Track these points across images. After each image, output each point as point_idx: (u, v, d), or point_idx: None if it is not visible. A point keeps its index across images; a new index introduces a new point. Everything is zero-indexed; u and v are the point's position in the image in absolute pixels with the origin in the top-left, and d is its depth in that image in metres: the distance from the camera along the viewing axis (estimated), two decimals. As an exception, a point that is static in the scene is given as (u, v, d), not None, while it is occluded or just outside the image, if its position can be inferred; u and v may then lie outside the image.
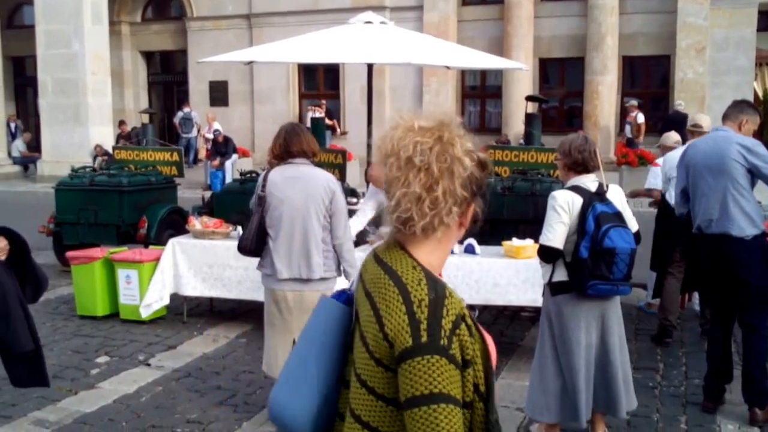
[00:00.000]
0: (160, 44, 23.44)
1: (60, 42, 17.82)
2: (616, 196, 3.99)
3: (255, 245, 4.30)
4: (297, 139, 4.25)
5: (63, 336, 6.38)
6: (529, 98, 11.73)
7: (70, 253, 7.09)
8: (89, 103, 17.95)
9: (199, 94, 22.09)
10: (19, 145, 20.66)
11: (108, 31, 18.73)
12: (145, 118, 16.62)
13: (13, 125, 21.88)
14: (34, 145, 20.63)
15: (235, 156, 16.78)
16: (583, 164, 3.97)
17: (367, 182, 6.27)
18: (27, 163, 20.08)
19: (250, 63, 7.59)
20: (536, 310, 4.59)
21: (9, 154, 20.64)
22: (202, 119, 20.35)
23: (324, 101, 20.06)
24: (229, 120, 20.69)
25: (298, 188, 4.18)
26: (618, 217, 3.85)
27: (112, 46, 19.77)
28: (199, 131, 20.87)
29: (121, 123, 18.61)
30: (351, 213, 7.26)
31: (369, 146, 6.93)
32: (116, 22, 22.03)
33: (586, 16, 18.89)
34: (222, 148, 16.77)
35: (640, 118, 17.18)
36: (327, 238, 4.23)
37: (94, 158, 16.44)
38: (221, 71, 21.15)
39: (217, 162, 16.41)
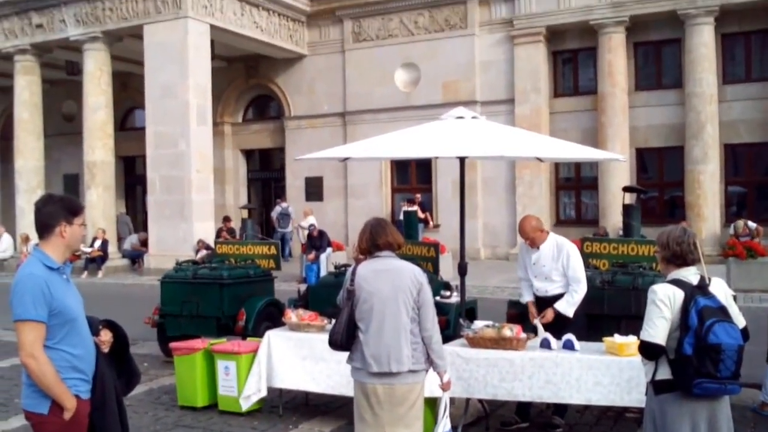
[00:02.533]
0: (260, 143, 24.47)
1: (168, 142, 18.88)
2: (720, 289, 3.83)
3: (345, 339, 4.32)
4: (382, 232, 4.33)
5: (164, 426, 6.49)
6: (626, 189, 11.54)
7: (173, 344, 7.30)
8: (193, 199, 18.79)
9: (296, 190, 22.79)
10: (133, 239, 21.69)
11: (211, 131, 19.75)
12: (245, 214, 17.22)
13: (123, 221, 23.13)
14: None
15: (329, 250, 17.07)
16: (682, 257, 3.85)
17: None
18: (136, 256, 21.01)
19: (344, 160, 7.81)
20: (641, 411, 4.38)
21: (119, 248, 21.65)
22: (298, 214, 20.91)
23: (419, 194, 20.32)
24: (323, 214, 21.19)
25: (386, 281, 4.21)
26: (722, 312, 3.68)
27: (215, 145, 20.78)
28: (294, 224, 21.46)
29: (226, 219, 19.32)
30: (443, 306, 7.26)
31: (462, 238, 6.93)
32: (219, 123, 23.19)
33: (683, 105, 18.68)
34: (317, 242, 17.11)
35: (752, 224, 16.25)
36: (415, 329, 4.22)
37: (197, 252, 17.04)
38: (316, 167, 21.81)
39: (312, 256, 16.72)
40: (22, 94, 21.75)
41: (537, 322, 6.17)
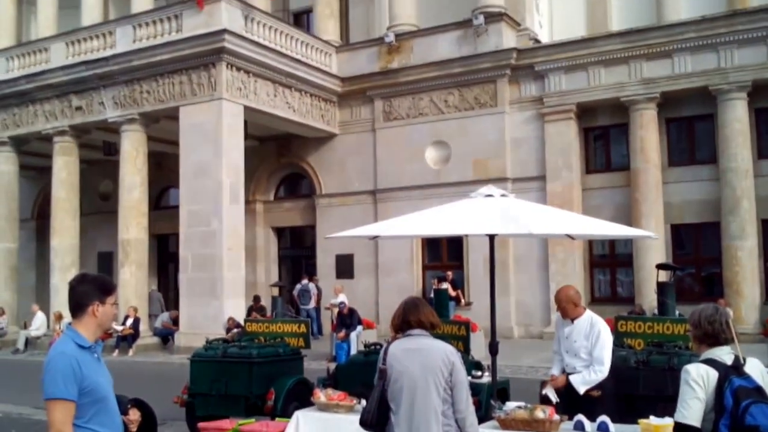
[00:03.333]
0: (291, 220, 24.65)
1: (200, 221, 19.09)
2: (756, 369, 3.68)
3: (376, 419, 4.19)
4: (415, 311, 4.26)
5: None
6: (660, 266, 11.32)
7: (201, 425, 7.17)
8: (224, 276, 18.84)
9: (327, 267, 22.77)
10: (164, 317, 21.72)
11: (244, 209, 19.95)
12: (275, 291, 17.18)
13: (155, 298, 23.23)
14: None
15: (359, 328, 16.89)
16: (714, 336, 3.71)
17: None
18: (166, 334, 20.99)
19: (374, 238, 7.78)
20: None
21: (150, 325, 21.67)
22: (328, 291, 20.82)
23: (450, 272, 20.17)
24: (354, 292, 21.07)
25: (416, 360, 4.10)
26: (759, 392, 3.51)
27: (247, 223, 20.94)
28: (318, 302, 21.37)
29: (256, 299, 19.29)
30: (475, 387, 7.06)
31: (493, 317, 6.80)
32: (251, 201, 23.46)
33: (718, 180, 18.50)
34: (347, 320, 16.96)
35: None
36: (448, 411, 4.08)
37: (227, 330, 16.98)
38: (347, 245, 21.83)
39: (342, 334, 16.55)
40: (59, 174, 22.27)
41: (547, 390, 6.00)
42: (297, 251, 25.67)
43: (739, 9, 19.28)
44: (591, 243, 20.19)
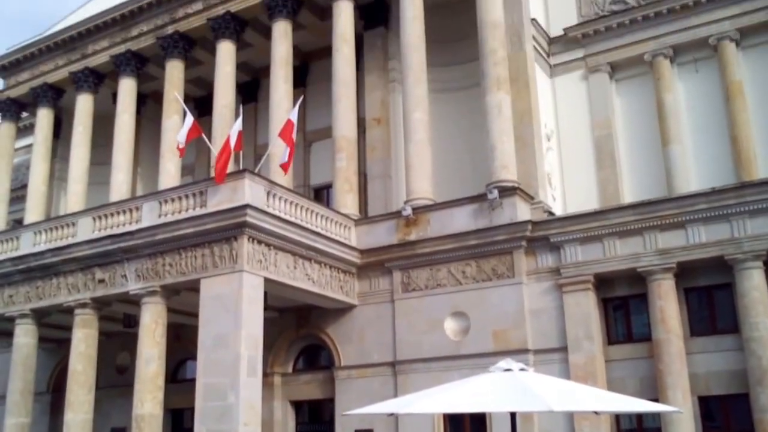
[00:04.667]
0: (309, 393, 24.15)
1: (217, 394, 18.73)
2: None
3: None
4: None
5: None
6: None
7: None
8: (240, 454, 18.21)
9: (346, 443, 22.04)
10: None
11: (261, 382, 19.64)
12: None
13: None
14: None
15: None
16: None
17: None
18: None
19: (391, 414, 7.62)
20: None
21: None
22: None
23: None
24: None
25: None
26: None
27: (264, 397, 20.53)
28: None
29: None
30: None
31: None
32: (269, 374, 23.15)
33: (742, 350, 18.16)
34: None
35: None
36: None
37: None
38: (366, 420, 21.16)
39: None
40: (78, 347, 22.23)
41: None
42: (315, 426, 24.91)
43: (747, 181, 19.79)
44: (618, 417, 19.52)
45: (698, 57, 24.06)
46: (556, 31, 25.85)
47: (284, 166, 21.74)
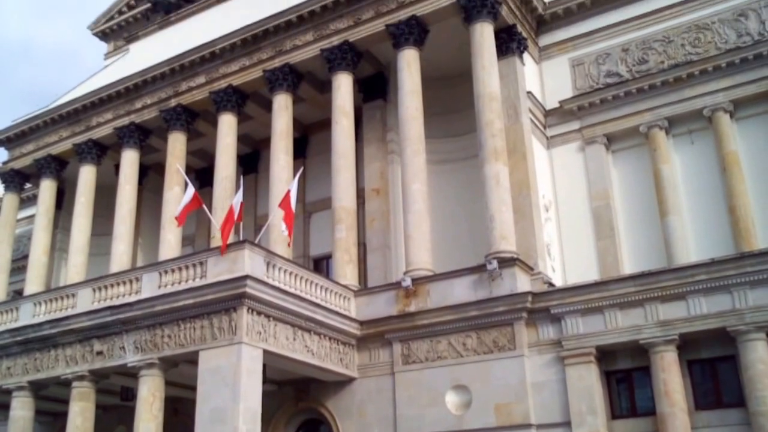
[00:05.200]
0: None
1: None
2: None
3: None
4: None
5: None
6: None
7: None
8: None
9: None
10: None
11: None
12: None
13: None
14: None
15: None
16: None
17: None
18: None
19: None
20: None
21: None
22: None
23: None
24: None
25: None
26: None
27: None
28: None
29: None
30: None
31: None
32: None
33: (749, 425, 17.84)
34: None
35: None
36: None
37: None
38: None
39: None
40: (75, 420, 21.85)
41: None
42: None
43: (746, 252, 19.79)
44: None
45: (693, 128, 24.38)
46: (551, 103, 26.28)
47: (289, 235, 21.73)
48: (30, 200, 36.81)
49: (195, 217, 28.54)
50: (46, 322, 22.81)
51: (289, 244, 22.43)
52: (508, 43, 24.63)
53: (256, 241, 21.74)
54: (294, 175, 23.55)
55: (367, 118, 26.71)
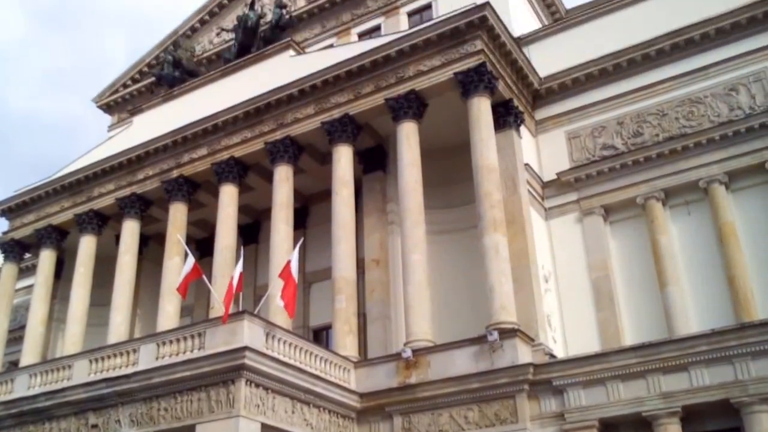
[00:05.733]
0: None
1: None
2: None
3: None
4: None
5: None
6: None
7: None
8: None
9: None
10: None
11: None
12: None
13: None
14: None
15: None
16: None
17: None
18: None
19: None
20: None
21: None
22: None
23: None
24: None
25: None
26: None
27: None
28: None
29: None
30: None
31: None
32: None
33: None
34: None
35: None
36: None
37: None
38: None
39: None
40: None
41: None
42: None
43: (747, 322, 19.74)
44: None
45: (690, 199, 24.65)
46: (549, 175, 26.62)
47: (288, 308, 21.62)
48: (29, 270, 36.76)
49: (194, 288, 28.44)
50: (42, 394, 22.50)
51: (291, 315, 22.30)
52: (505, 116, 25.09)
53: (256, 312, 21.66)
54: (294, 246, 23.63)
55: (367, 189, 26.98)
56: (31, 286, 33.82)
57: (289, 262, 21.85)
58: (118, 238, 31.04)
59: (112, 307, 28.96)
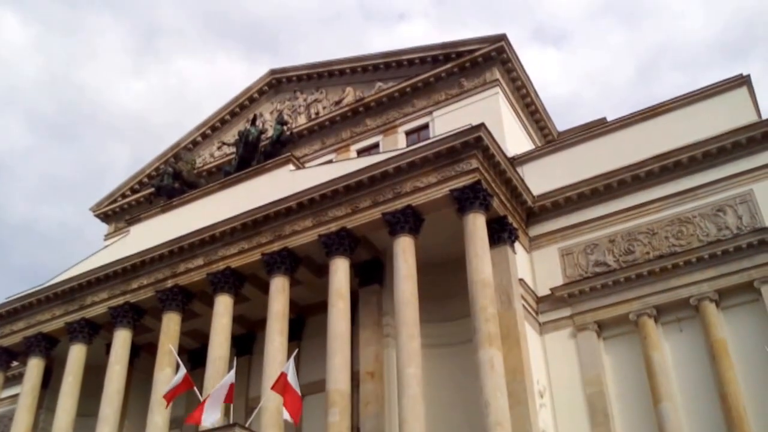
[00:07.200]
0: None
1: None
2: None
3: None
4: None
5: None
6: None
7: None
8: None
9: None
10: None
11: None
12: None
13: None
14: None
15: None
16: None
17: None
18: None
19: None
20: None
21: None
22: None
23: None
24: None
25: None
26: None
27: None
28: None
29: None
30: None
31: None
32: None
33: None
34: None
35: None
36: None
37: None
38: None
39: None
40: None
41: None
42: None
43: None
44: None
45: (681, 316, 24.95)
46: (543, 290, 26.97)
47: (294, 417, 21.23)
48: (15, 378, 36.10)
49: (185, 399, 28.05)
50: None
51: (296, 423, 21.93)
52: (500, 232, 25.66)
53: (247, 425, 21.38)
54: (288, 357, 23.51)
55: (364, 302, 27.10)
56: (16, 395, 33.15)
57: (283, 374, 21.70)
58: (108, 346, 30.75)
59: (99, 417, 28.37)
